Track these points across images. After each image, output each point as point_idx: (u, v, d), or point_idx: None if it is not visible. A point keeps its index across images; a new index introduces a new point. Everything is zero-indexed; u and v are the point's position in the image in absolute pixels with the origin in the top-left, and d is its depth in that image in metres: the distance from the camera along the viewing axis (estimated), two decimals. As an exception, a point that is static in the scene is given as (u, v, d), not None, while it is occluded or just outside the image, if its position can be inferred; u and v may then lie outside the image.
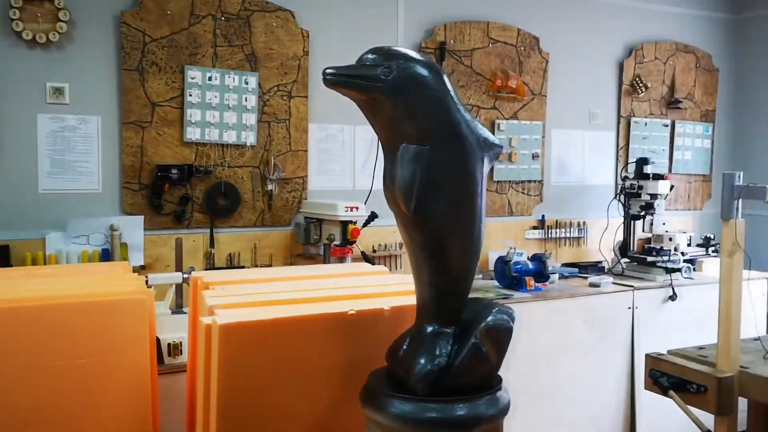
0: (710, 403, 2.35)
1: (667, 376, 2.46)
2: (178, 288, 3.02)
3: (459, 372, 1.50)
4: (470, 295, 1.62)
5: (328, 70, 1.46)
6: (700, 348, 2.68)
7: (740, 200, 2.33)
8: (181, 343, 2.74)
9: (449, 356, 1.50)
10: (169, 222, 3.31)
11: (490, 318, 1.50)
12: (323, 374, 1.75)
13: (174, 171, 3.25)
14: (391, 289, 2.03)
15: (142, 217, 3.24)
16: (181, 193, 3.31)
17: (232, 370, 1.64)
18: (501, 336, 1.51)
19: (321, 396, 1.75)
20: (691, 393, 2.40)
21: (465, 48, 4.02)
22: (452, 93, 1.53)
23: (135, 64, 3.21)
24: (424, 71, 1.51)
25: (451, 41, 3.97)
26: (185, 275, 2.90)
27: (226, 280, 2.15)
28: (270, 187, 3.51)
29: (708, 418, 2.37)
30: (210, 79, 3.35)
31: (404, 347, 1.57)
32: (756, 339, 2.87)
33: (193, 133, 3.32)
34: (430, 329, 1.55)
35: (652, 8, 4.77)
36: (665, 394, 2.44)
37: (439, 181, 1.52)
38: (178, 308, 3.02)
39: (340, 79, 1.49)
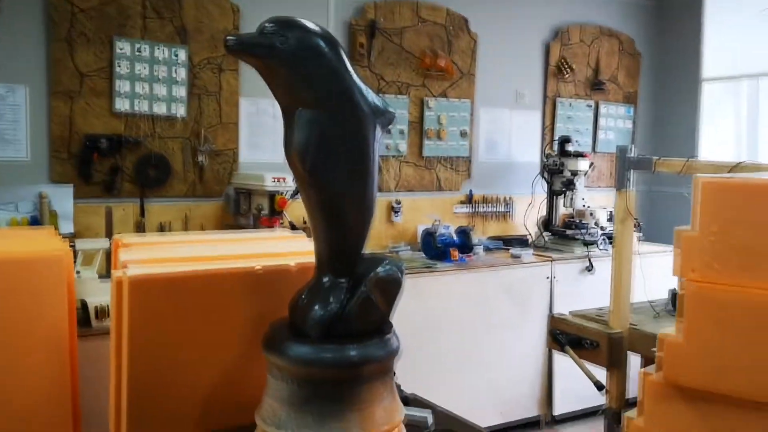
0: (602, 358, 2.56)
1: (566, 334, 2.66)
2: (108, 255, 3.08)
3: (350, 318, 1.62)
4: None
5: (229, 38, 1.56)
6: (600, 309, 2.89)
7: (632, 171, 2.53)
8: (107, 306, 2.82)
9: (341, 304, 1.63)
10: (99, 191, 3.36)
11: (380, 269, 1.62)
12: (231, 328, 1.86)
13: (103, 141, 3.30)
14: (303, 250, 2.14)
15: (72, 185, 3.28)
16: (111, 164, 3.37)
17: (141, 324, 1.73)
18: (389, 286, 1.64)
19: (229, 349, 1.86)
20: (585, 349, 2.60)
21: (395, 27, 4.14)
22: (346, 63, 1.65)
23: (63, 34, 3.24)
24: (319, 41, 1.62)
25: (382, 19, 4.09)
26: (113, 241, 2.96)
27: (145, 241, 2.24)
28: (201, 159, 3.58)
29: (601, 373, 2.58)
30: (139, 50, 3.39)
31: (302, 298, 1.69)
32: (652, 302, 3.09)
33: (122, 104, 3.37)
34: (326, 281, 1.67)
35: (578, -8, 4.97)
36: (562, 349, 2.64)
37: (333, 144, 1.64)
38: (107, 274, 3.08)
39: (239, 47, 1.58)
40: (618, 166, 2.53)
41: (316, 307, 1.63)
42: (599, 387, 2.42)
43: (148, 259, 1.87)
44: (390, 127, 1.73)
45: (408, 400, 2.03)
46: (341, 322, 1.63)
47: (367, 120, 1.67)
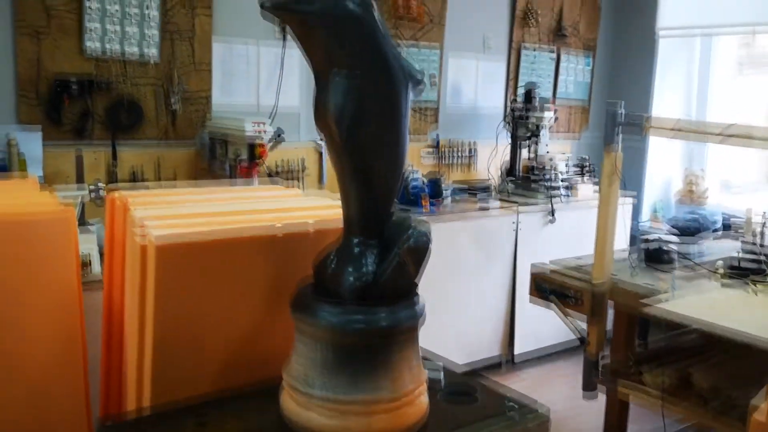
0: (585, 311, 2.69)
1: (549, 289, 2.77)
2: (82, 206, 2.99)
3: (383, 284, 1.66)
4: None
5: (266, -1, 1.52)
6: (578, 258, 3.02)
7: (620, 131, 2.60)
8: (90, 260, 2.77)
9: (374, 271, 1.66)
10: (69, 135, 3.23)
11: (411, 239, 1.66)
12: (252, 290, 1.87)
13: (74, 84, 3.16)
14: (310, 210, 2.15)
15: (40, 128, 3.14)
16: (82, 107, 3.23)
17: (167, 288, 1.72)
18: (420, 254, 1.68)
19: (251, 310, 1.88)
20: (569, 301, 2.72)
21: (369, -30, 4.04)
22: (381, 25, 1.64)
23: (28, -32, 3.04)
24: (356, 6, 1.60)
25: (356, -38, 3.97)
26: (92, 190, 2.87)
27: (146, 198, 2.19)
28: (174, 104, 3.47)
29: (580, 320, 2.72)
30: (110, -13, 3.22)
31: (332, 260, 1.71)
32: (625, 251, 3.24)
33: (93, 45, 3.21)
34: (356, 243, 1.70)
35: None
36: (547, 299, 2.76)
37: (368, 109, 1.64)
38: (81, 223, 3.00)
39: (278, 10, 1.55)
40: (607, 125, 2.61)
41: (351, 272, 1.65)
42: (583, 341, 2.56)
43: (165, 222, 1.84)
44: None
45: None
46: (374, 286, 1.67)
47: (401, 84, 1.67)
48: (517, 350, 4.36)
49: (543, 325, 4.40)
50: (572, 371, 4.34)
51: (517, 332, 4.34)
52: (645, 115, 2.45)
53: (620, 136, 2.58)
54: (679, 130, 2.35)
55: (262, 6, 1.58)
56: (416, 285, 1.77)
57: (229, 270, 1.79)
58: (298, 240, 1.90)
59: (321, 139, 4.02)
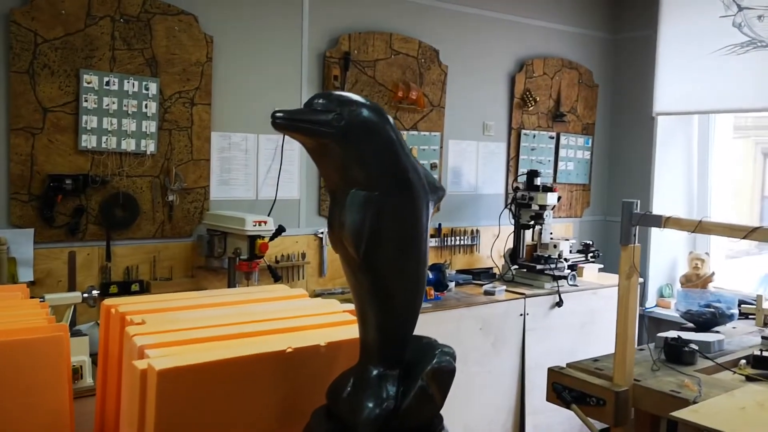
0: (608, 415, 2.54)
1: (569, 390, 2.62)
2: (74, 309, 2.85)
3: (406, 415, 1.53)
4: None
5: (278, 114, 1.44)
6: (595, 360, 2.88)
7: (637, 227, 2.51)
8: (81, 367, 2.61)
9: (395, 399, 1.53)
10: (62, 235, 3.12)
11: (435, 361, 1.53)
12: (259, 413, 1.73)
13: (68, 181, 3.06)
14: (321, 318, 2.03)
15: (32, 230, 3.03)
16: (75, 205, 3.13)
17: (169, 414, 1.58)
18: (445, 378, 1.56)
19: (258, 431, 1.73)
20: (590, 405, 2.57)
21: (368, 59, 4.05)
22: (400, 139, 1.55)
23: (25, 66, 2.98)
24: (373, 117, 1.52)
25: (355, 51, 3.99)
26: (85, 294, 2.74)
27: (143, 309, 2.06)
28: (171, 197, 3.38)
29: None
30: (107, 84, 3.17)
31: (348, 389, 1.58)
32: (641, 349, 3.11)
33: (88, 141, 3.14)
34: (375, 371, 1.57)
35: (541, 25, 5.00)
36: (567, 406, 2.60)
37: (387, 227, 1.54)
38: (71, 327, 2.85)
39: (291, 124, 1.46)
40: (623, 222, 2.51)
41: (370, 405, 1.51)
42: (609, 447, 2.40)
43: (165, 340, 1.71)
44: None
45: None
46: (395, 418, 1.53)
47: (421, 199, 1.57)
48: (528, 445, 4.16)
49: (555, 419, 4.22)
50: (587, 466, 4.13)
51: (528, 425, 4.15)
52: (664, 216, 2.37)
53: (637, 228, 2.48)
54: (700, 225, 2.26)
55: (273, 121, 1.49)
56: (440, 414, 1.63)
57: (235, 391, 1.66)
58: (309, 356, 1.77)
59: (321, 232, 3.93)
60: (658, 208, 5.03)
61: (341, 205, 1.54)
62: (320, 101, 1.51)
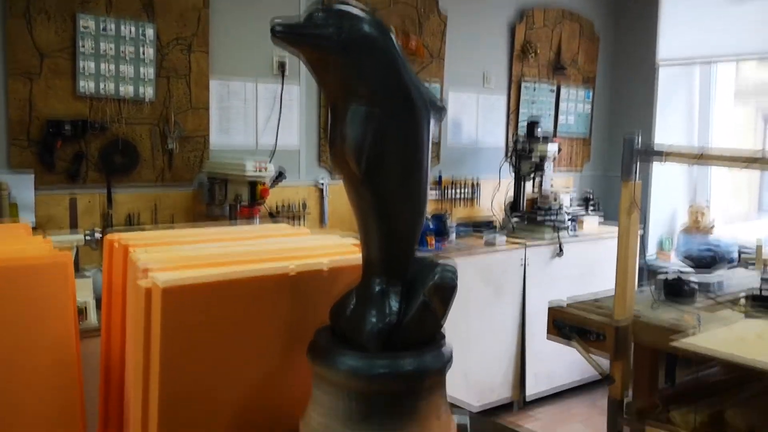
0: (608, 349, 2.56)
1: (569, 326, 2.65)
2: (77, 251, 2.87)
3: (408, 328, 1.54)
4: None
5: (277, 25, 1.42)
6: (596, 300, 2.90)
7: (638, 162, 2.51)
8: (86, 307, 2.63)
9: (398, 313, 1.54)
10: (63, 180, 3.12)
11: (437, 276, 1.54)
12: (264, 335, 1.74)
13: (67, 126, 3.06)
14: (323, 248, 2.04)
15: (32, 174, 3.03)
16: (75, 150, 3.12)
17: (174, 334, 1.59)
18: (447, 293, 1.56)
19: (264, 357, 1.74)
20: (590, 340, 2.59)
21: (367, 7, 4.00)
22: (400, 56, 1.54)
23: (21, 10, 2.96)
24: (375, 32, 1.50)
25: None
26: (87, 234, 2.75)
27: (147, 241, 2.07)
28: (170, 145, 3.37)
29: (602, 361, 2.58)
30: (104, 28, 3.14)
31: (351, 305, 1.59)
32: (642, 286, 3.13)
33: (86, 87, 3.12)
34: (377, 287, 1.57)
35: (542, -26, 4.95)
36: (568, 342, 2.62)
37: (388, 142, 1.53)
38: (76, 270, 2.87)
39: (290, 36, 1.44)
40: (624, 156, 2.51)
41: (373, 319, 1.52)
42: (608, 379, 2.42)
43: (170, 264, 1.72)
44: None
45: (443, 404, 1.95)
46: (398, 332, 1.54)
47: (422, 116, 1.57)
48: (528, 391, 4.21)
49: (554, 365, 4.27)
50: (586, 410, 4.20)
51: (528, 372, 4.20)
52: (666, 144, 2.36)
53: (638, 164, 2.48)
54: (702, 156, 2.26)
55: (273, 32, 1.48)
56: (442, 327, 1.65)
57: (238, 312, 1.67)
58: (312, 279, 1.78)
59: (322, 182, 3.93)
60: (658, 168, 5.03)
61: (342, 121, 1.54)
62: (320, 15, 1.49)
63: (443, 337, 1.65)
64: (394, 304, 1.56)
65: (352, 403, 1.51)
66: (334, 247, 2.08)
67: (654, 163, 5.00)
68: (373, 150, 1.51)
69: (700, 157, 2.25)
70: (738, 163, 2.18)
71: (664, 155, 2.40)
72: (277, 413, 1.75)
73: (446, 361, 1.59)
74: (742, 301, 2.87)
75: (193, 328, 1.62)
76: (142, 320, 1.62)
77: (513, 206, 4.57)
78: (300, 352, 1.63)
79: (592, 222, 4.79)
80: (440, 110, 1.62)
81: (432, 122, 1.62)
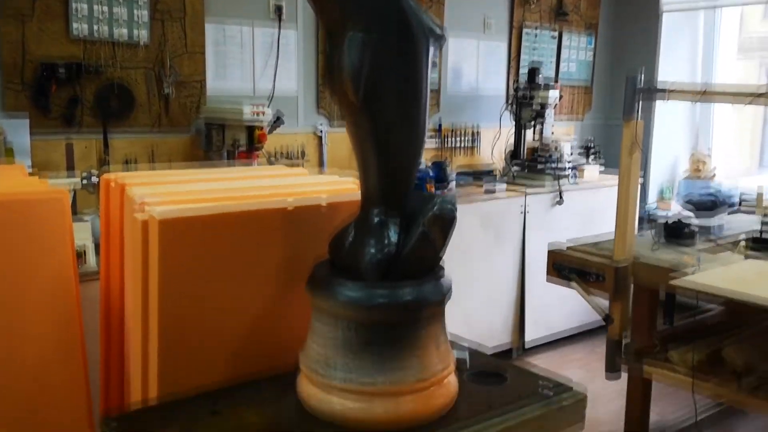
0: (607, 290, 2.56)
1: (569, 267, 2.64)
2: (74, 195, 2.85)
3: (407, 259, 1.53)
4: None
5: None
6: (595, 244, 2.89)
7: (641, 101, 2.48)
8: (84, 251, 2.63)
9: (397, 244, 1.53)
10: (58, 125, 3.08)
11: (436, 207, 1.53)
12: (263, 270, 1.74)
13: (61, 69, 3.01)
14: (319, 186, 2.02)
15: (27, 118, 2.99)
16: (70, 94, 3.08)
17: (172, 268, 1.59)
18: (446, 224, 1.55)
19: (263, 292, 1.74)
20: (590, 281, 2.59)
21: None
22: (398, -22, 1.50)
23: (11, -52, 2.89)
24: (371, -47, 1.47)
25: (352, -60, 3.84)
26: (84, 177, 2.73)
27: (144, 180, 2.05)
28: (166, 89, 3.33)
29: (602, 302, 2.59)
30: (96, -33, 3.07)
31: (350, 238, 1.58)
32: (641, 233, 3.12)
33: (80, 29, 3.06)
34: (376, 218, 1.56)
35: None
36: (567, 283, 2.63)
37: (386, 69, 1.51)
38: (74, 213, 2.86)
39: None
40: (627, 95, 2.47)
41: (372, 250, 1.52)
42: (607, 320, 2.43)
43: (167, 198, 1.70)
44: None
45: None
46: (397, 262, 1.54)
47: (420, 43, 1.53)
48: (527, 337, 4.24)
49: (553, 312, 4.29)
50: (584, 356, 4.23)
51: (528, 319, 4.22)
52: (669, 82, 2.33)
53: (640, 103, 2.45)
54: (704, 93, 2.22)
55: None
56: (441, 260, 1.64)
57: (236, 247, 1.66)
58: (310, 214, 1.77)
59: (321, 129, 3.89)
60: (660, 116, 4.99)
61: (339, 48, 1.50)
62: (317, -63, 1.45)
63: (442, 269, 1.65)
64: (393, 235, 1.55)
65: (351, 333, 1.51)
66: (332, 185, 2.07)
67: (656, 112, 4.97)
68: (370, 77, 1.48)
69: (704, 94, 2.21)
70: (742, 98, 2.15)
71: (667, 92, 2.36)
72: (277, 348, 1.76)
73: (445, 293, 1.59)
74: (743, 243, 2.87)
75: (191, 262, 1.61)
76: (140, 254, 1.62)
77: (513, 154, 4.53)
78: (299, 287, 1.62)
79: (592, 170, 4.75)
80: (440, 38, 1.59)
81: (431, 50, 1.59)
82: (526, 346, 4.25)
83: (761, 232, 2.94)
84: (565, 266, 2.62)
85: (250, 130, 3.15)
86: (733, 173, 5.22)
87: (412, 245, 1.52)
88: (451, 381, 1.62)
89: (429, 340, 1.55)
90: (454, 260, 4.12)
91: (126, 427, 1.44)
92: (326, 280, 1.54)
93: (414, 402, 1.51)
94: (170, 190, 1.79)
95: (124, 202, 1.79)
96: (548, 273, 2.73)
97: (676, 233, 2.82)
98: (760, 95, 2.10)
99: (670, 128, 5.15)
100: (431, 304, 1.53)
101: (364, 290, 1.49)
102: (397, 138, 1.54)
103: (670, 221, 2.91)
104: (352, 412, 1.48)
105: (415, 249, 1.53)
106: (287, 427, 1.49)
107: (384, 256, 1.51)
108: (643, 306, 2.77)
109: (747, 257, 2.72)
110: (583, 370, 3.87)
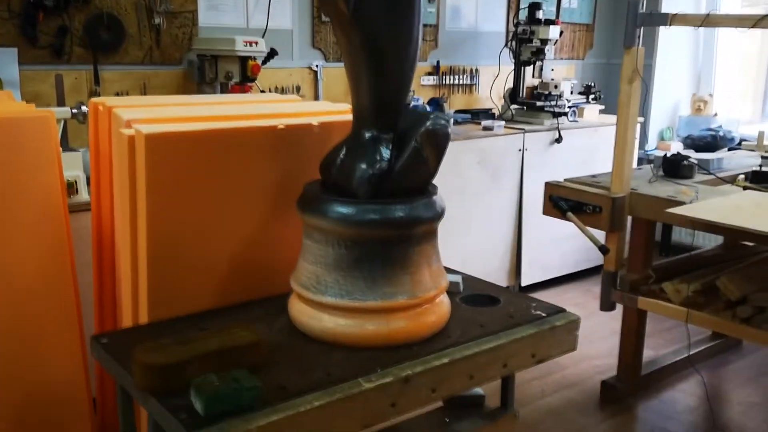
0: (604, 222, 2.54)
1: (566, 200, 2.61)
2: (64, 126, 2.80)
3: (399, 176, 1.50)
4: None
5: None
6: (593, 176, 2.86)
7: (642, 28, 2.41)
8: (76, 181, 2.59)
9: (389, 161, 1.50)
10: (47, 56, 3.01)
11: (429, 123, 1.49)
12: (253, 189, 1.71)
13: (48, -3, 2.92)
14: (313, 110, 1.98)
15: (16, 49, 2.92)
16: (58, 24, 3.00)
17: (160, 185, 1.56)
18: (440, 140, 1.52)
19: (253, 215, 1.72)
20: (587, 213, 2.57)
21: None
22: None
23: None
24: None
25: None
26: (74, 110, 2.68)
27: (132, 103, 2.01)
28: (157, 20, 3.24)
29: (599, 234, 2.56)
30: None
31: (341, 156, 1.55)
32: (639, 168, 3.09)
33: (66, -45, 2.97)
34: (368, 135, 1.53)
35: None
36: (564, 215, 2.60)
37: (378, -21, 1.45)
38: (65, 146, 2.82)
39: None
40: (628, 22, 2.41)
41: (363, 166, 1.49)
42: (603, 250, 2.41)
43: (154, 118, 1.67)
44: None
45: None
46: (389, 180, 1.51)
47: (414, -49, 1.48)
48: (524, 279, 4.24)
49: (550, 252, 4.28)
50: (581, 296, 4.25)
51: (524, 260, 4.21)
52: (670, 14, 2.26)
53: (641, 30, 2.38)
54: (708, 16, 2.16)
55: None
56: (433, 180, 1.61)
57: (225, 167, 1.62)
58: (301, 135, 1.73)
59: (316, 65, 3.82)
60: (661, 63, 4.91)
61: (330, -45, 1.45)
62: None
63: (436, 187, 1.62)
64: (385, 152, 1.51)
65: (342, 251, 1.49)
66: (325, 110, 2.03)
67: (657, 57, 4.88)
68: (361, -14, 1.43)
69: (706, 18, 2.15)
70: (746, 22, 2.09)
71: (669, 18, 2.30)
72: (269, 271, 1.74)
73: (438, 211, 1.56)
74: (741, 176, 2.84)
75: (179, 181, 1.58)
76: (127, 173, 1.59)
77: (512, 94, 4.46)
78: (292, 210, 1.59)
79: (592, 110, 4.69)
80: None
81: (425, -41, 1.53)
82: (523, 287, 4.26)
83: (761, 166, 2.91)
84: (562, 199, 2.59)
85: (243, 62, 3.09)
86: (734, 122, 5.15)
87: (404, 161, 1.49)
88: (444, 301, 1.61)
89: (421, 259, 1.54)
90: (452, 199, 4.09)
91: (115, 340, 1.43)
92: (317, 198, 1.52)
93: (405, 320, 1.50)
94: (158, 113, 1.75)
95: (111, 123, 1.76)
96: (544, 209, 2.70)
97: (674, 167, 2.79)
98: (764, 17, 2.04)
99: (672, 70, 5.07)
100: (423, 222, 1.51)
101: (355, 207, 1.46)
102: (389, 51, 1.49)
103: (668, 154, 2.87)
104: (343, 329, 1.48)
105: (407, 165, 1.50)
106: (277, 343, 1.48)
107: (376, 172, 1.49)
108: (640, 239, 2.76)
109: (746, 189, 2.69)
110: (579, 308, 3.88)
